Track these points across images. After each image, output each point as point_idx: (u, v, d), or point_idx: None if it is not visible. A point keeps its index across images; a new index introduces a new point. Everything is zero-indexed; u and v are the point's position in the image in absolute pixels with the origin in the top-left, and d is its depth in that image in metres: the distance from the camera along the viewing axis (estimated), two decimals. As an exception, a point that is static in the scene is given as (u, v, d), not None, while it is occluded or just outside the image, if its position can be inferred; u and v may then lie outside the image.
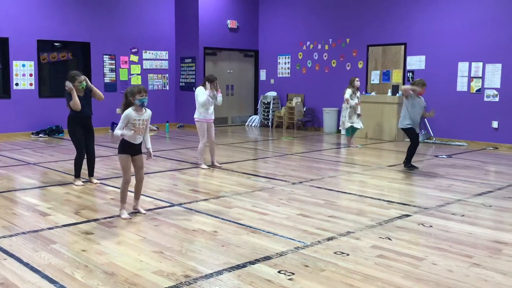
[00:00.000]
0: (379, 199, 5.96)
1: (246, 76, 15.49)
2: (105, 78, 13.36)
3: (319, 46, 13.77)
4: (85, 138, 6.65)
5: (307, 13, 13.96)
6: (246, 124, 15.44)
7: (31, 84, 12.22)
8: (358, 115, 10.53)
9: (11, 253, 4.04)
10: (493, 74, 10.59)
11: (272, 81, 15.09)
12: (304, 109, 14.09)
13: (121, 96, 5.17)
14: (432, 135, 11.54)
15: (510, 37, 10.33)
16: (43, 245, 4.24)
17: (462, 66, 11.04)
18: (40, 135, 12.07)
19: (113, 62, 13.53)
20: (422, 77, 8.03)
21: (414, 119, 7.72)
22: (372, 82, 12.61)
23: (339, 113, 12.99)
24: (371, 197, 6.06)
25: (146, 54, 14.14)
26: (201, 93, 7.84)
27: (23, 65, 12.08)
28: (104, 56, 13.36)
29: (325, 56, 13.68)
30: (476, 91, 10.85)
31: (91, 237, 4.50)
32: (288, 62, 14.59)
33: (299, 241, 4.37)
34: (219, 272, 3.66)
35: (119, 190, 5.38)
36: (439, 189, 6.57)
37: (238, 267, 3.77)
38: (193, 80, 14.32)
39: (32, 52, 12.19)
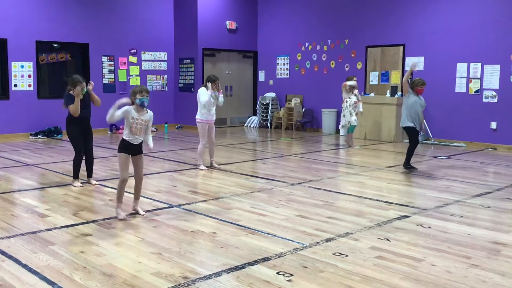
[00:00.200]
0: (377, 200, 5.96)
1: (245, 77, 15.49)
2: (103, 79, 13.35)
3: (318, 47, 13.78)
4: (83, 139, 6.65)
5: (306, 14, 13.97)
6: (245, 125, 15.44)
7: (29, 85, 12.20)
8: (356, 113, 10.54)
9: (10, 254, 4.03)
10: (492, 75, 10.60)
11: (271, 82, 15.09)
12: (303, 110, 14.09)
13: (120, 97, 5.17)
14: (430, 136, 11.54)
15: (509, 38, 10.34)
16: (42, 247, 4.23)
17: (461, 67, 11.05)
18: (39, 136, 12.05)
19: (112, 63, 13.52)
20: (421, 78, 8.05)
21: (415, 118, 7.74)
22: (370, 83, 12.61)
23: (338, 114, 13.00)
24: (369, 198, 6.06)
25: (145, 55, 14.14)
26: (203, 94, 7.83)
27: (22, 66, 12.06)
28: (103, 57, 13.35)
29: (323, 57, 13.68)
30: (475, 92, 10.87)
31: (90, 238, 4.49)
32: (287, 63, 14.60)
33: (297, 242, 4.37)
34: (218, 274, 3.66)
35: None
36: (437, 190, 6.57)
37: (236, 268, 3.77)
38: (192, 81, 14.32)
39: (31, 53, 12.18)
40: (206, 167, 8.00)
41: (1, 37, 11.75)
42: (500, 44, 10.45)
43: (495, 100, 10.59)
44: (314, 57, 13.91)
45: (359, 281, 3.54)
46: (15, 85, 12.01)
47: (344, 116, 10.58)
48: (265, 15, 15.04)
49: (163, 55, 14.55)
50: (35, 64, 12.27)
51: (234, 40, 14.84)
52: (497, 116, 10.61)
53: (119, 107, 4.96)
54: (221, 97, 7.95)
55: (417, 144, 7.96)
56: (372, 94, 12.29)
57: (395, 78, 12.17)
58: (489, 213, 5.46)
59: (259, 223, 4.97)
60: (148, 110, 5.16)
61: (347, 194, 6.31)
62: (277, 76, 14.91)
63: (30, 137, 12.08)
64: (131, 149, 5.14)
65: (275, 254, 4.06)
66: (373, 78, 12.60)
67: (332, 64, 13.49)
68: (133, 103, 5.06)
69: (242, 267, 3.79)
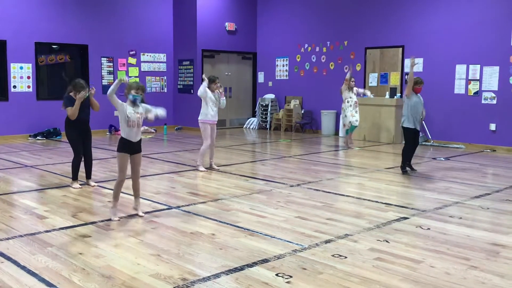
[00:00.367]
0: (377, 202, 5.96)
1: (244, 79, 15.49)
2: (103, 81, 13.35)
3: (317, 49, 13.79)
4: (82, 140, 6.65)
5: (305, 15, 13.98)
6: (244, 126, 15.43)
7: (28, 87, 12.19)
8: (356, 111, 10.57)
9: (8, 256, 4.03)
10: (491, 77, 10.61)
11: (270, 83, 15.10)
12: (302, 112, 14.09)
13: (120, 97, 5.16)
14: (430, 137, 11.54)
15: (508, 40, 10.35)
16: (40, 248, 4.23)
17: (460, 69, 11.06)
18: (38, 137, 12.04)
19: (111, 64, 13.52)
20: (419, 77, 8.04)
21: (416, 119, 7.73)
22: (370, 84, 12.61)
23: (337, 115, 13.01)
24: (369, 200, 6.06)
25: (144, 57, 14.14)
26: (200, 87, 7.85)
27: (21, 68, 12.06)
28: (102, 58, 13.35)
29: (323, 59, 13.69)
30: (474, 93, 10.87)
31: (89, 240, 4.49)
32: (286, 65, 14.60)
33: (297, 244, 4.37)
34: (217, 275, 3.65)
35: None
36: (437, 191, 6.57)
37: (235, 270, 3.76)
38: (191, 83, 14.31)
39: (30, 54, 12.18)
40: (206, 168, 8.00)
41: (0, 39, 11.74)
42: (499, 46, 10.46)
43: (494, 101, 10.60)
44: (313, 58, 13.91)
45: (358, 282, 3.54)
46: (14, 87, 12.01)
47: (345, 116, 10.59)
48: (264, 17, 15.05)
49: (162, 57, 14.55)
50: (34, 66, 12.26)
51: (234, 42, 14.85)
52: (496, 118, 10.61)
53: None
54: (223, 100, 7.96)
55: (416, 146, 7.97)
56: (371, 96, 12.20)
57: (394, 79, 12.18)
58: (488, 215, 5.46)
59: (258, 224, 4.97)
60: (140, 104, 5.16)
61: (346, 196, 6.30)
62: (276, 78, 14.92)
63: (29, 138, 12.07)
64: (131, 148, 5.14)
65: (274, 256, 4.06)
66: (372, 79, 12.60)
67: (332, 66, 13.49)
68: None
69: (241, 268, 3.79)
